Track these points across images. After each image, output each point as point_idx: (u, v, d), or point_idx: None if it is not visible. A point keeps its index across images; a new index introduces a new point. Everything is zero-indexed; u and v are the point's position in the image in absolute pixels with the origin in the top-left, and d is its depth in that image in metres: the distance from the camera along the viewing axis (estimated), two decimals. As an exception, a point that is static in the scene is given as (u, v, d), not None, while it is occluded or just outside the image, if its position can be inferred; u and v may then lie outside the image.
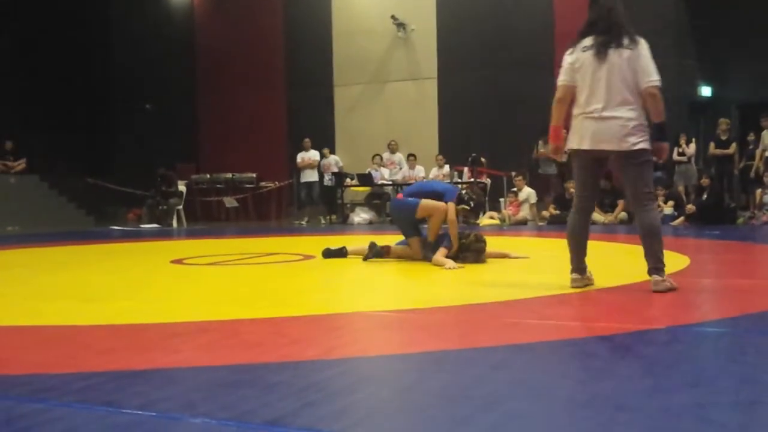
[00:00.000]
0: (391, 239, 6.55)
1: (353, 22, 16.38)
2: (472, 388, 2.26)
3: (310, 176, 14.80)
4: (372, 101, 16.30)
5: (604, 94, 4.03)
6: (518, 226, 12.04)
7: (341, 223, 14.01)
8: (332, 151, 15.52)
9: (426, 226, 6.34)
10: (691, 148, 12.87)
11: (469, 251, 5.89)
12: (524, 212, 12.60)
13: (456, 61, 15.28)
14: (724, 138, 12.66)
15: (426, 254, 6.00)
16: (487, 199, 13.23)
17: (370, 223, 13.61)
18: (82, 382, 2.37)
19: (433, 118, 15.67)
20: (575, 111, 4.20)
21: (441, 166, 13.87)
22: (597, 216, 11.07)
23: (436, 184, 6.96)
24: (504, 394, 2.19)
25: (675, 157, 12.50)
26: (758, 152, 12.09)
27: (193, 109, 17.95)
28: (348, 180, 14.59)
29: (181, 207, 14.86)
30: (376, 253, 6.18)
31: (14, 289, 5.07)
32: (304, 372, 2.51)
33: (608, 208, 11.79)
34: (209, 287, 5.08)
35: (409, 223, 6.14)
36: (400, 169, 14.51)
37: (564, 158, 4.73)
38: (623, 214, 11.54)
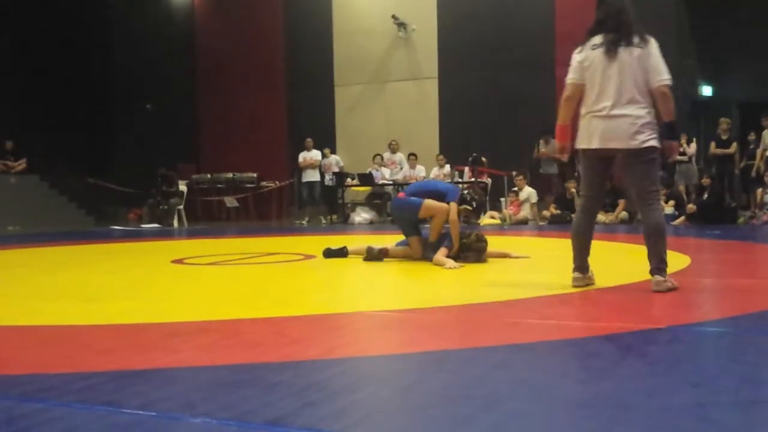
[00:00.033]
0: (392, 239, 6.55)
1: (354, 21, 16.38)
2: (473, 387, 2.26)
3: (312, 176, 14.81)
4: (372, 101, 16.30)
5: (614, 93, 4.02)
6: (519, 225, 12.03)
7: (342, 222, 14.01)
8: (333, 151, 15.53)
9: (427, 225, 6.34)
10: (692, 148, 12.87)
11: (470, 251, 5.89)
12: (525, 212, 12.60)
13: (457, 61, 15.29)
14: (724, 137, 12.67)
15: (427, 254, 6.00)
16: (487, 198, 13.23)
17: (371, 222, 13.60)
18: (82, 382, 2.37)
19: (433, 117, 15.67)
20: (583, 110, 4.18)
21: (442, 166, 13.88)
22: (598, 216, 11.06)
23: (438, 184, 6.95)
24: (505, 393, 2.19)
25: (675, 156, 12.49)
26: (759, 152, 12.10)
27: (193, 109, 17.96)
28: (349, 180, 14.58)
29: (181, 207, 14.86)
30: (373, 257, 6.17)
31: (14, 289, 5.07)
32: (305, 372, 2.50)
33: (609, 207, 11.78)
34: (210, 287, 5.07)
35: (410, 222, 6.14)
36: (401, 168, 14.51)
37: (566, 158, 4.71)
38: (624, 214, 11.54)
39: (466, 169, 13.41)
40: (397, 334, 3.27)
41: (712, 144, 12.87)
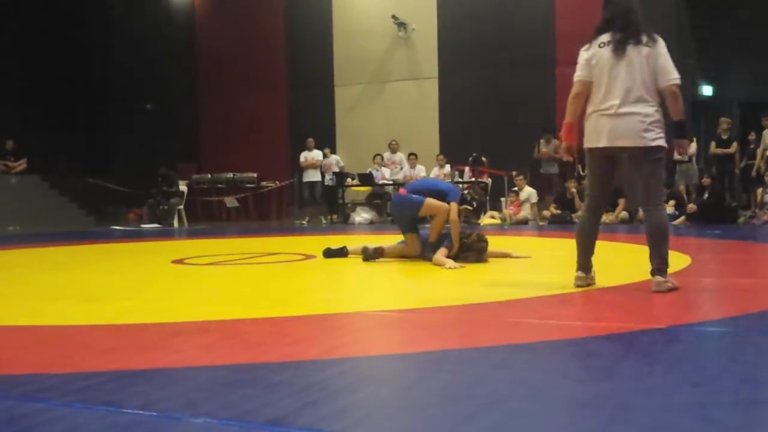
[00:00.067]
0: (392, 239, 6.54)
1: (354, 22, 16.38)
2: (473, 387, 2.26)
3: (313, 176, 14.82)
4: (373, 101, 16.30)
5: (622, 91, 4.00)
6: (519, 225, 12.03)
7: (342, 222, 14.02)
8: (333, 151, 15.53)
9: (427, 225, 6.33)
10: (692, 148, 12.86)
11: (471, 251, 5.88)
12: (525, 212, 12.60)
13: (457, 61, 15.29)
14: (725, 137, 12.67)
15: (426, 254, 5.99)
16: (488, 198, 13.23)
17: (371, 222, 13.60)
18: (83, 382, 2.37)
19: (433, 117, 15.67)
20: (589, 109, 4.15)
21: (442, 166, 13.88)
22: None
23: (439, 183, 6.93)
24: (505, 393, 2.19)
25: (676, 156, 12.49)
26: (759, 151, 12.10)
27: (193, 109, 17.96)
28: (349, 180, 14.59)
29: (182, 207, 14.86)
30: (369, 256, 6.17)
31: (15, 289, 5.07)
32: (306, 371, 2.50)
33: (609, 207, 11.77)
34: (210, 287, 5.08)
35: (410, 219, 6.12)
36: (401, 168, 14.51)
37: (570, 158, 4.70)
38: (624, 214, 11.54)
39: (467, 169, 13.42)
40: (397, 334, 3.27)
41: (713, 144, 12.86)
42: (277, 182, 16.65)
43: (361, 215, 13.91)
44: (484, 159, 13.53)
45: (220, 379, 2.42)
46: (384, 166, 14.66)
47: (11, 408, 2.11)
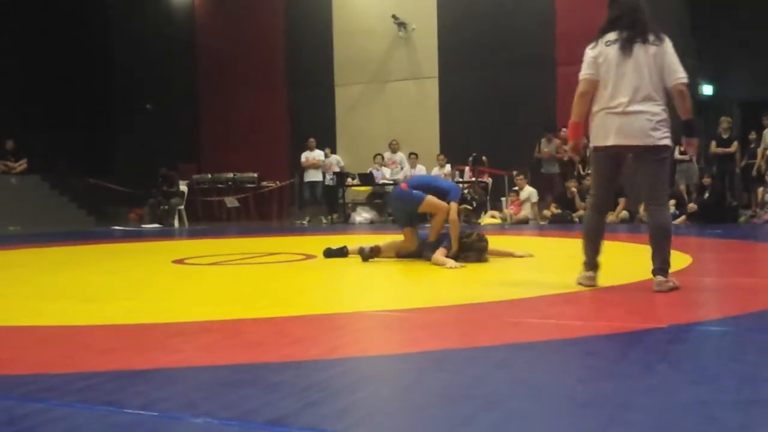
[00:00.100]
0: (392, 239, 6.53)
1: (354, 21, 16.38)
2: (473, 387, 2.26)
3: (314, 176, 14.82)
4: (373, 101, 16.30)
5: (630, 89, 3.98)
6: (520, 225, 12.03)
7: (343, 222, 14.02)
8: (333, 151, 15.54)
9: (427, 225, 6.32)
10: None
11: (471, 250, 5.87)
12: (526, 211, 12.60)
13: (457, 61, 15.29)
14: (725, 136, 12.66)
15: (426, 254, 5.99)
16: (488, 198, 13.23)
17: (372, 222, 13.61)
18: (83, 382, 2.37)
19: (434, 117, 15.67)
20: (595, 108, 4.13)
21: (442, 166, 13.88)
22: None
23: (440, 181, 6.90)
24: (505, 393, 2.19)
25: (676, 155, 12.49)
26: (760, 151, 12.10)
27: (194, 109, 17.96)
28: (349, 180, 14.59)
29: (182, 207, 14.87)
30: (366, 256, 6.16)
31: (15, 289, 5.07)
32: (306, 371, 2.50)
33: (609, 207, 11.78)
34: (211, 287, 5.08)
35: (408, 214, 6.11)
36: (402, 168, 14.52)
37: (577, 157, 4.69)
38: (624, 213, 11.53)
39: (467, 168, 13.42)
40: (397, 334, 3.27)
41: (713, 143, 12.86)
42: (278, 182, 16.65)
43: (362, 215, 13.92)
44: (484, 159, 13.54)
45: (220, 379, 2.42)
46: (384, 165, 14.66)
47: (12, 408, 2.11)
